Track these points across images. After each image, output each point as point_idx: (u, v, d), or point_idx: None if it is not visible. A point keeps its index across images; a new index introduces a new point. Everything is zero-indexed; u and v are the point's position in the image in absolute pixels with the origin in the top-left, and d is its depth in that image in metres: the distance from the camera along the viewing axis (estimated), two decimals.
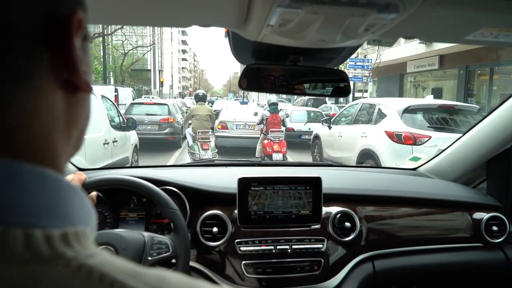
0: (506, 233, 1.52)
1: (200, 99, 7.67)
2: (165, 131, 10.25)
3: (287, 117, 8.51)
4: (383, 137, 5.54)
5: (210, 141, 6.81)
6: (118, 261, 0.28)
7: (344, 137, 6.94)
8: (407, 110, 5.62)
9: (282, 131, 7.64)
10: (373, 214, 1.48)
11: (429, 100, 6.89)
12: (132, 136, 6.65)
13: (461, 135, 1.77)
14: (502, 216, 1.53)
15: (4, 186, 0.26)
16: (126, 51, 27.10)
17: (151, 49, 35.85)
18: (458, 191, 1.66)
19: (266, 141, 7.48)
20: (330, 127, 7.58)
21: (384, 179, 1.76)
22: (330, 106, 17.99)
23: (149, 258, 1.05)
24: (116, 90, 13.41)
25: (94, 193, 1.06)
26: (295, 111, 12.32)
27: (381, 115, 6.00)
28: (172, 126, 10.37)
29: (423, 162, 1.99)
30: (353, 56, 18.76)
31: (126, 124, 6.09)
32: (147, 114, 10.33)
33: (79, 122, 0.35)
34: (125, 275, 0.26)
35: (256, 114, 9.30)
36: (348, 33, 0.75)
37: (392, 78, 20.29)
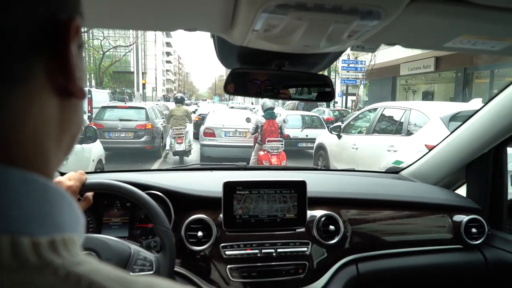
0: (485, 235, 1.56)
1: (178, 101, 9.07)
2: (142, 139, 8.86)
3: (284, 122, 7.41)
4: (422, 152, 4.22)
5: (183, 136, 8.39)
6: (107, 269, 0.28)
7: (362, 150, 5.58)
8: (455, 118, 4.32)
9: (282, 141, 6.52)
10: (356, 217, 1.50)
11: (478, 104, 5.56)
12: (94, 149, 5.51)
13: (443, 139, 1.82)
14: (481, 219, 1.57)
15: None
16: (104, 51, 26.15)
17: (131, 49, 34.74)
18: (439, 194, 1.70)
19: (262, 153, 6.43)
20: (339, 136, 6.27)
21: (367, 182, 1.79)
22: (323, 109, 16.57)
23: (130, 273, 1.03)
24: (89, 92, 11.95)
25: (90, 194, 1.03)
26: (289, 116, 10.74)
27: (417, 124, 4.74)
28: (150, 133, 8.98)
29: (405, 166, 2.02)
30: (345, 58, 18.41)
31: (84, 135, 4.95)
32: (121, 120, 8.90)
33: (72, 128, 0.35)
34: (114, 283, 0.26)
35: (249, 120, 8.10)
36: (332, 39, 0.76)
37: (385, 81, 19.64)
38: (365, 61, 18.23)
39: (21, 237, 0.25)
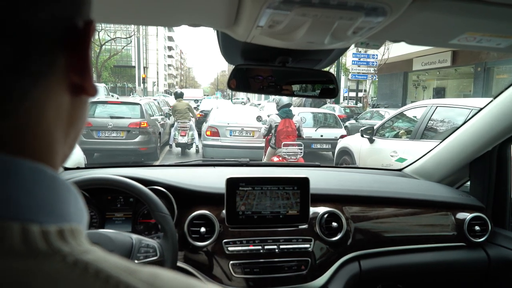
0: (488, 233, 1.56)
1: (179, 96, 9.38)
2: (136, 139, 7.76)
3: (302, 122, 6.15)
4: None
5: (187, 129, 8.84)
6: (113, 258, 0.28)
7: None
8: None
9: (301, 145, 5.50)
10: (359, 214, 1.49)
11: None
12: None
13: (446, 137, 1.81)
14: (484, 216, 1.57)
15: (3, 181, 0.27)
16: (101, 43, 25.64)
17: (130, 42, 33.93)
18: (442, 192, 1.70)
19: (276, 159, 5.56)
20: (372, 140, 5.24)
21: (370, 179, 1.79)
22: (333, 106, 15.42)
23: (135, 262, 1.04)
24: None
25: None
26: (301, 114, 8.99)
27: None
28: (145, 132, 7.86)
29: (408, 163, 2.02)
30: (354, 51, 16.81)
31: None
32: (112, 117, 7.77)
33: (78, 124, 0.36)
34: (120, 271, 0.27)
35: (260, 119, 7.22)
36: (337, 35, 0.76)
37: (395, 77, 18.53)
38: (377, 55, 16.84)
39: (31, 225, 0.26)
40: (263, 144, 7.10)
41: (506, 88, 1.50)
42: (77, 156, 5.12)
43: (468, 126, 1.67)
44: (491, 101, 1.57)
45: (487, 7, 0.65)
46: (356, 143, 5.74)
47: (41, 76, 0.30)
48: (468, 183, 1.79)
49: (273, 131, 5.69)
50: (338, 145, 6.57)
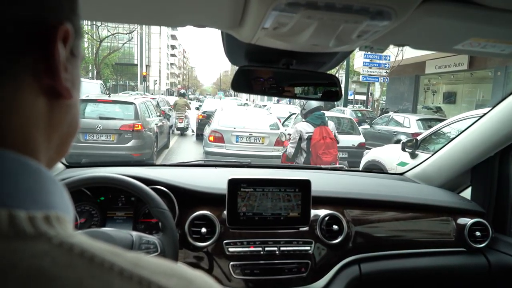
0: (489, 239, 1.56)
1: (181, 95, 14.55)
2: (128, 144, 6.71)
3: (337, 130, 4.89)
4: None
5: (183, 117, 12.37)
6: (98, 242, 0.30)
7: None
8: None
9: (343, 168, 3.84)
10: (360, 218, 1.49)
11: None
12: None
13: (448, 141, 1.81)
14: (485, 222, 1.57)
15: None
16: (101, 39, 25.33)
17: (131, 38, 33.24)
18: (443, 197, 1.69)
19: None
20: (414, 155, 4.25)
21: (371, 183, 1.78)
22: (342, 109, 14.32)
23: None
24: None
25: None
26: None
27: None
28: (140, 136, 6.80)
29: (410, 168, 2.01)
30: (365, 51, 16.64)
31: None
32: (102, 118, 6.77)
33: (61, 128, 0.37)
34: (105, 252, 0.28)
35: (282, 136, 6.32)
36: (341, 38, 0.76)
37: (406, 80, 17.66)
38: (389, 57, 15.59)
39: (18, 211, 0.27)
40: (274, 153, 6.49)
41: (509, 94, 1.50)
42: None
43: (470, 132, 1.66)
44: (494, 107, 1.57)
45: (493, 13, 0.65)
46: (390, 157, 4.73)
47: (6, 76, 0.30)
48: (469, 188, 1.79)
49: (303, 144, 4.21)
50: (365, 157, 5.62)
